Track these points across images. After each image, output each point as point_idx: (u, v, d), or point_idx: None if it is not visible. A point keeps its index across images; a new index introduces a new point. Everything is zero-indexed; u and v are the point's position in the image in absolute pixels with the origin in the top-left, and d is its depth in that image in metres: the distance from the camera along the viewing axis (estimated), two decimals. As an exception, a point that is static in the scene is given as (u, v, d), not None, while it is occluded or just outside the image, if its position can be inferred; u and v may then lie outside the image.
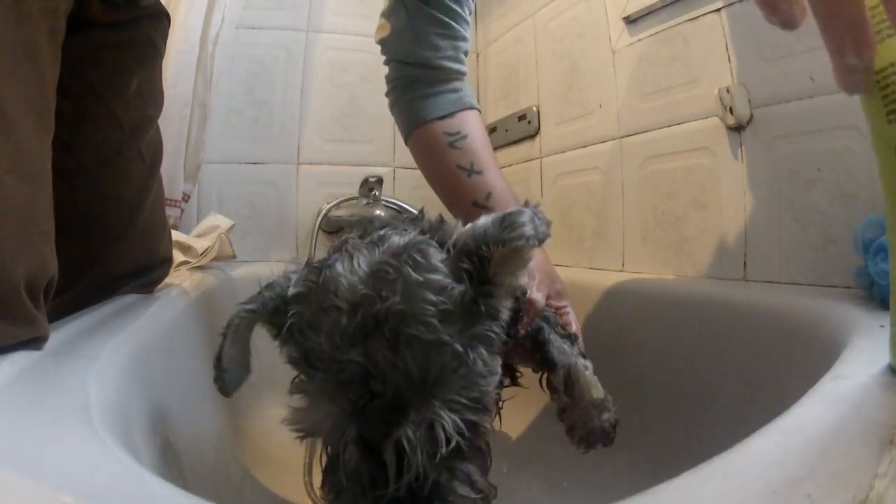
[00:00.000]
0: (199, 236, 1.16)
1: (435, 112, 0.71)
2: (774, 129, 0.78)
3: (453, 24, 0.72)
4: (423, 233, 0.40)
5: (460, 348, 0.33)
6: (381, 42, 0.76)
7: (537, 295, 0.56)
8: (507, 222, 0.36)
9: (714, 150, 0.87)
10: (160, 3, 0.68)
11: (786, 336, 0.63)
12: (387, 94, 0.78)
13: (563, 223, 1.22)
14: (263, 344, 0.64)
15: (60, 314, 0.55)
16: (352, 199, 1.39)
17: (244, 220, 1.36)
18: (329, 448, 0.34)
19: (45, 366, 0.42)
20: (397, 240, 0.36)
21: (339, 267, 0.35)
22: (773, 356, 0.64)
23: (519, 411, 0.92)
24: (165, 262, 0.79)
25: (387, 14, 0.74)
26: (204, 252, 1.10)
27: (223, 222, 1.19)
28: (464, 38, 0.74)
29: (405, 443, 0.31)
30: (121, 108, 0.65)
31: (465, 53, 0.75)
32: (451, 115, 0.71)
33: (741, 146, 0.82)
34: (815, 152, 0.73)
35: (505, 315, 0.38)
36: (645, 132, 1.00)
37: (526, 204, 0.41)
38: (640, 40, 1.00)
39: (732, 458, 0.28)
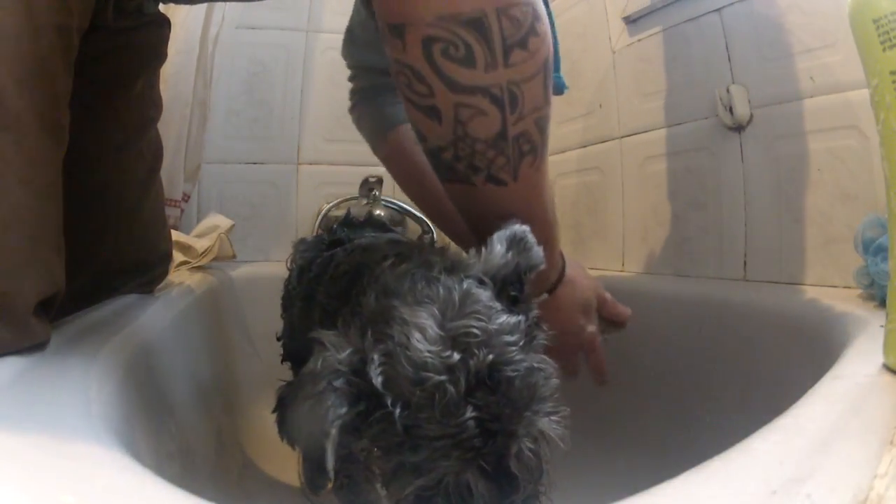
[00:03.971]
0: (199, 236, 1.16)
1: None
2: (774, 129, 0.78)
3: None
4: (428, 265, 0.42)
5: (538, 365, 0.37)
6: (348, 53, 0.77)
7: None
8: (521, 245, 0.42)
9: (714, 150, 0.87)
10: (160, 12, 0.69)
11: (786, 336, 0.63)
12: (351, 111, 0.78)
13: (563, 223, 1.21)
14: (264, 342, 0.64)
15: (60, 313, 0.55)
16: (352, 199, 1.38)
17: (244, 220, 1.36)
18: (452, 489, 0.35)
19: (46, 366, 0.42)
20: (445, 294, 0.38)
21: (414, 342, 0.35)
22: (773, 356, 0.64)
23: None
24: (165, 259, 0.79)
25: (351, 28, 0.76)
26: (204, 252, 1.10)
27: (223, 222, 1.19)
28: None
29: (527, 452, 0.35)
30: (125, 108, 0.65)
31: None
32: None
33: (741, 146, 0.82)
34: (815, 152, 0.73)
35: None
36: (645, 132, 1.00)
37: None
38: (640, 40, 1.00)
39: (732, 458, 0.28)
